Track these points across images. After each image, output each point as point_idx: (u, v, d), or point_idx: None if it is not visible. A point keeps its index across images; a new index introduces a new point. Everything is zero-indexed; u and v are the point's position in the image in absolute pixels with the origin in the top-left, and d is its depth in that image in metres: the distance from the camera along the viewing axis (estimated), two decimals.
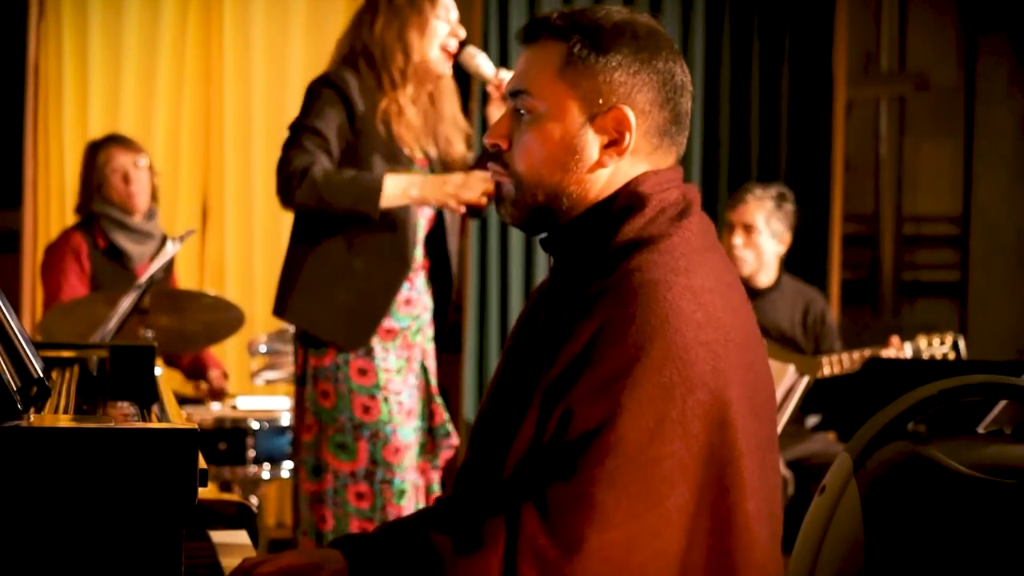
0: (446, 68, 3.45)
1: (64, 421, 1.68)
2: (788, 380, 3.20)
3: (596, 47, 1.79)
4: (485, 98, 3.51)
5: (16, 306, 5.13)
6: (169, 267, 4.57)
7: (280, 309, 3.45)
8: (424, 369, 3.54)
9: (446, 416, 3.55)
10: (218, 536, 2.16)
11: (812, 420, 4.84)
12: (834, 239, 5.74)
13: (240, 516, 2.24)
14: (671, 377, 1.66)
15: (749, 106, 5.74)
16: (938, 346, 4.50)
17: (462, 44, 3.43)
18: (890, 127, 6.60)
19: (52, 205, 5.48)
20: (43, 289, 4.68)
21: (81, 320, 4.04)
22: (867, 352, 4.50)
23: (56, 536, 1.54)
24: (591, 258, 1.79)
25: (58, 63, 5.48)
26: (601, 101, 1.79)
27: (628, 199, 1.79)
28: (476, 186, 3.30)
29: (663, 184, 1.82)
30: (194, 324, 4.36)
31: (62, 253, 4.61)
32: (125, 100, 5.55)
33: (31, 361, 1.73)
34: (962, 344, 4.50)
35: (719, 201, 5.73)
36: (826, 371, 4.51)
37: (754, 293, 4.78)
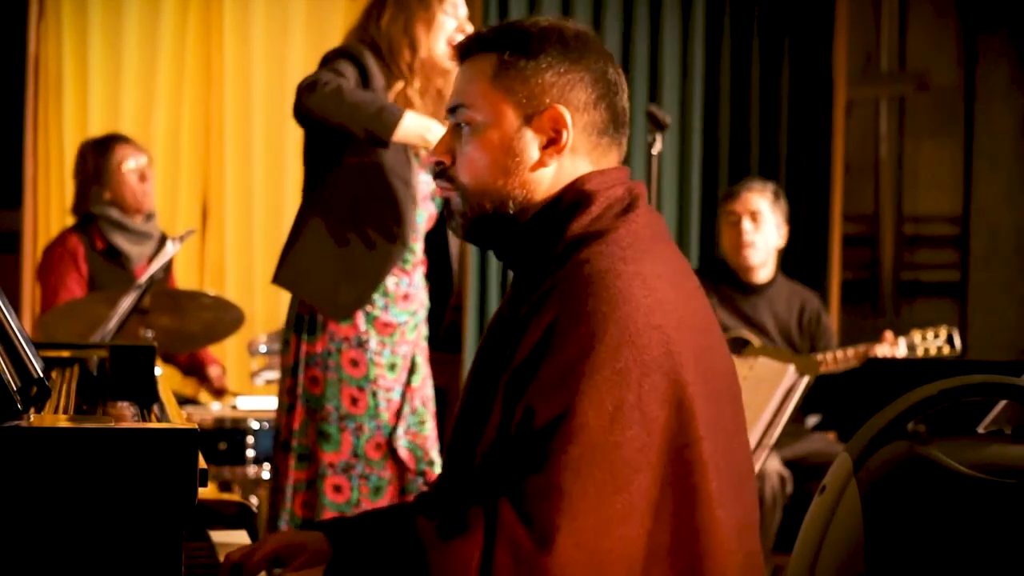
0: (452, 65, 3.44)
1: (64, 421, 1.68)
2: (788, 380, 3.20)
3: (525, 52, 1.85)
4: None
5: (16, 306, 5.13)
6: (167, 267, 4.57)
7: (276, 275, 3.46)
8: (415, 364, 3.53)
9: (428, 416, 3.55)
10: (218, 536, 2.16)
11: (812, 420, 4.84)
12: (834, 239, 5.74)
13: (240, 516, 2.24)
14: (626, 362, 1.70)
15: (749, 106, 5.73)
16: (932, 340, 4.51)
17: None
18: (890, 127, 6.59)
19: (52, 205, 5.48)
20: (41, 292, 4.67)
21: (81, 320, 4.04)
22: (862, 348, 4.50)
23: (56, 536, 1.54)
24: (542, 256, 1.83)
25: (58, 63, 5.48)
26: (535, 102, 1.84)
27: (574, 197, 1.85)
28: None
29: (608, 182, 1.86)
30: (194, 324, 4.36)
31: (59, 256, 4.60)
32: (125, 100, 5.55)
33: (31, 361, 1.73)
34: (956, 338, 4.50)
35: (719, 201, 5.74)
36: (822, 368, 4.51)
37: (751, 289, 4.78)
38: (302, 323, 3.42)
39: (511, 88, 1.85)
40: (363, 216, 3.38)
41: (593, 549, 1.66)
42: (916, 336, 4.51)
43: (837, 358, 4.52)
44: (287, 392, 3.45)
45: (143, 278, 3.90)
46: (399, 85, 3.39)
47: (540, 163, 1.85)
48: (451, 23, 3.41)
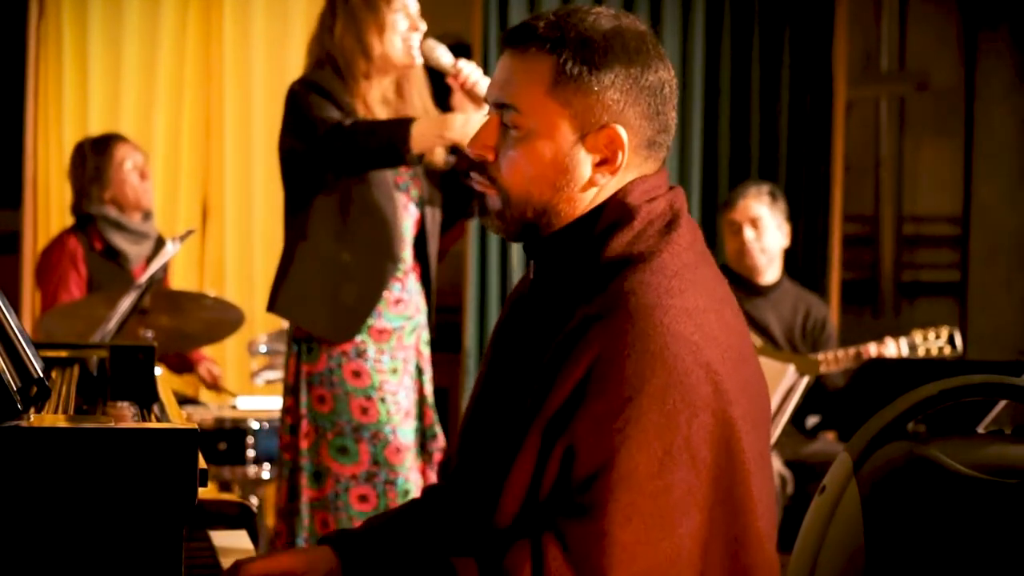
0: (412, 59, 3.43)
1: (64, 421, 1.68)
2: (788, 380, 3.21)
3: (588, 63, 1.74)
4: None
5: (16, 306, 5.13)
6: (164, 267, 4.56)
7: (272, 304, 3.46)
8: (419, 371, 3.54)
9: (435, 417, 3.55)
10: (218, 536, 2.16)
11: (812, 420, 4.84)
12: (834, 239, 5.74)
13: (240, 516, 2.23)
14: (674, 403, 1.65)
15: (749, 106, 5.74)
16: (933, 340, 4.51)
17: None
18: (890, 127, 6.60)
19: (52, 205, 5.48)
20: (41, 294, 4.66)
21: (81, 320, 4.04)
22: (863, 348, 4.50)
23: (56, 536, 1.54)
24: (579, 272, 1.77)
25: (58, 63, 5.48)
26: (593, 120, 1.75)
27: (615, 212, 1.77)
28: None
29: (649, 193, 1.79)
30: (194, 324, 4.36)
31: (58, 258, 4.59)
32: (125, 100, 5.55)
33: (31, 361, 1.73)
34: (958, 338, 4.50)
35: (719, 201, 5.73)
36: (822, 368, 4.51)
37: (757, 290, 4.78)
38: (300, 344, 3.42)
39: (569, 101, 1.75)
40: (352, 235, 3.37)
41: None
42: (917, 336, 4.51)
43: (838, 357, 4.52)
44: (288, 412, 3.45)
45: (143, 278, 3.89)
46: (359, 101, 3.39)
47: (591, 183, 1.77)
48: (403, 23, 3.40)
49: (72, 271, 4.57)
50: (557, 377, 1.69)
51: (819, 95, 5.77)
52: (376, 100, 3.41)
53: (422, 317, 3.53)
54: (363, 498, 3.36)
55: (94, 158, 4.64)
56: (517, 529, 1.70)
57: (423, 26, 3.44)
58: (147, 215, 4.70)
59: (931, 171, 6.55)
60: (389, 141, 3.24)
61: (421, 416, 3.52)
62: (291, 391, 3.44)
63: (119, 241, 4.60)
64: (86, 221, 4.63)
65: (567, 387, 1.68)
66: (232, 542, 2.13)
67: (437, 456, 3.52)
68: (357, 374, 3.39)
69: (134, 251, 4.62)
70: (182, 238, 3.86)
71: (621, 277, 1.71)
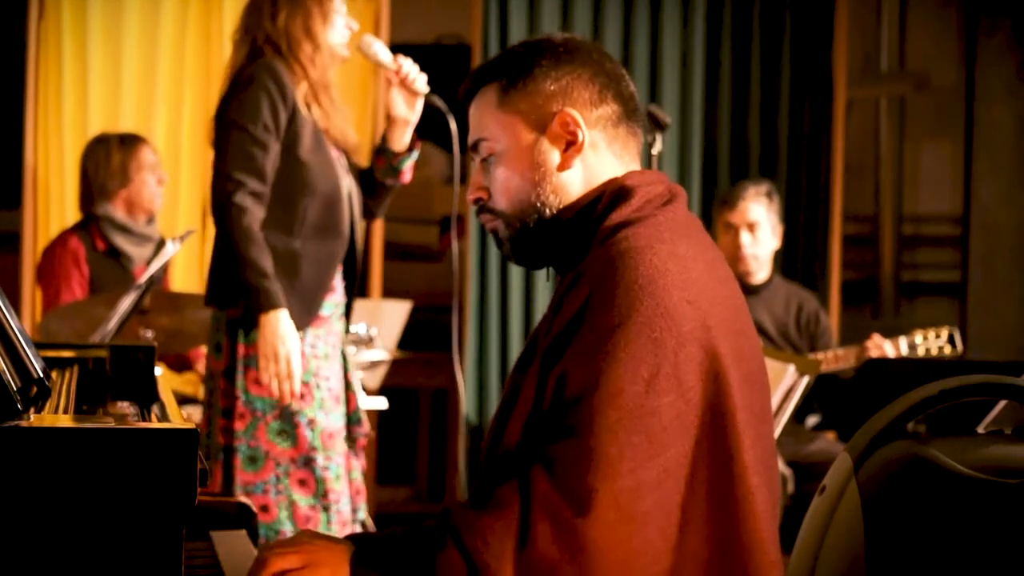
0: (346, 53, 3.52)
1: (64, 421, 1.68)
2: (788, 380, 3.20)
3: (522, 71, 1.92)
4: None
5: (16, 306, 5.13)
6: (164, 268, 4.56)
7: (213, 298, 3.44)
8: (343, 355, 3.55)
9: (358, 403, 3.57)
10: (218, 536, 2.16)
11: (812, 420, 4.84)
12: (834, 239, 5.74)
13: (240, 516, 2.24)
14: (661, 332, 1.72)
15: (749, 106, 5.74)
16: (933, 340, 4.50)
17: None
18: (890, 127, 6.60)
19: (52, 205, 5.48)
20: (42, 293, 4.65)
21: (81, 320, 4.04)
22: (865, 345, 4.50)
23: (56, 536, 1.54)
24: (582, 248, 1.87)
25: (58, 63, 5.48)
26: (543, 113, 1.91)
27: (615, 192, 1.89)
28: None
29: (649, 180, 1.90)
30: (194, 324, 4.35)
31: (60, 257, 4.58)
32: (125, 100, 5.55)
33: (31, 361, 1.73)
34: (958, 338, 4.50)
35: (718, 201, 5.73)
36: (823, 368, 4.51)
37: (748, 290, 4.78)
38: (235, 326, 3.41)
39: (517, 108, 1.92)
40: (300, 220, 3.40)
41: (630, 512, 1.68)
42: (917, 336, 4.51)
43: (837, 356, 4.52)
44: (222, 395, 3.43)
45: (143, 278, 3.89)
46: (303, 87, 3.43)
47: (564, 165, 1.91)
48: (341, 18, 3.48)
49: (74, 270, 4.56)
50: (555, 318, 1.80)
51: (819, 95, 5.77)
52: (321, 89, 3.45)
53: (344, 303, 3.56)
54: (302, 482, 3.38)
55: (121, 153, 4.61)
56: (513, 461, 1.77)
57: (355, 25, 3.52)
58: (151, 218, 4.70)
59: (931, 171, 6.55)
60: (248, 291, 3.31)
61: (346, 401, 3.54)
62: (223, 374, 3.42)
63: (122, 242, 4.60)
64: (89, 221, 4.62)
65: (562, 322, 1.78)
66: (232, 542, 2.13)
67: (361, 441, 3.54)
68: None
69: (136, 252, 4.62)
70: (182, 238, 3.86)
71: (616, 235, 1.83)
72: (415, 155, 3.59)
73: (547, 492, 1.68)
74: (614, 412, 1.69)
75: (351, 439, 3.53)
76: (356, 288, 3.62)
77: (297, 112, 3.41)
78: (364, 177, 3.62)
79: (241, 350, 3.40)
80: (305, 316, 3.40)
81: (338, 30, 3.48)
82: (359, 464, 3.55)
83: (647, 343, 1.71)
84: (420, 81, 3.44)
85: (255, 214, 3.35)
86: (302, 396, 3.39)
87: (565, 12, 5.61)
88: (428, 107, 3.48)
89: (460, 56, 6.01)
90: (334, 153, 3.50)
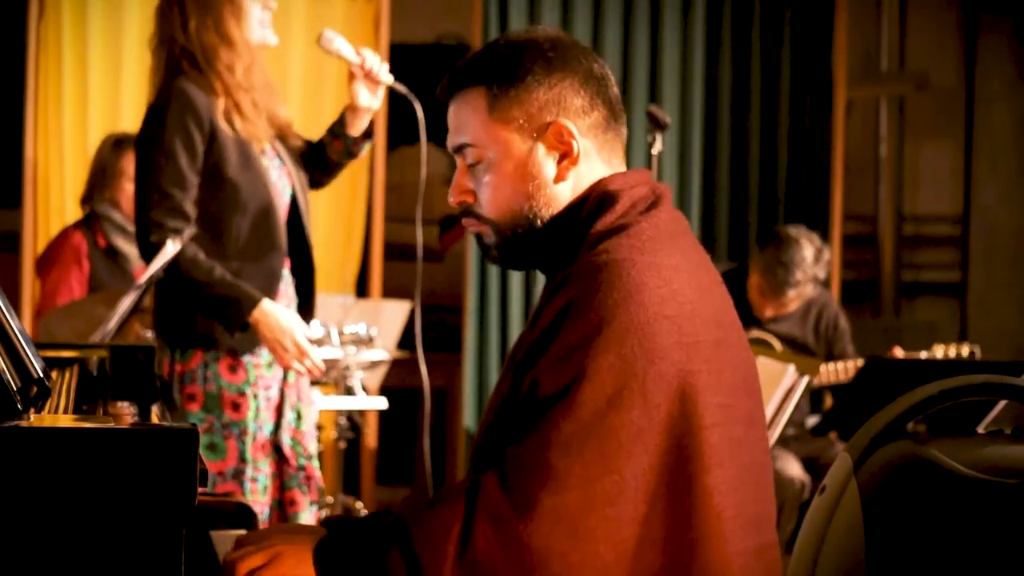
0: (269, 39, 3.42)
1: (64, 421, 1.68)
2: (788, 380, 3.20)
3: (512, 77, 1.88)
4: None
5: (16, 306, 5.13)
6: (164, 268, 4.54)
7: (162, 328, 3.42)
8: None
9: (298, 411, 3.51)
10: (218, 536, 2.16)
11: (811, 420, 4.85)
12: (834, 239, 5.74)
13: (240, 516, 2.23)
14: (633, 349, 1.72)
15: (749, 106, 5.74)
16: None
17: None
18: (890, 127, 6.60)
19: (52, 205, 5.48)
20: (41, 286, 4.65)
21: (81, 320, 4.03)
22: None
23: (56, 536, 1.54)
24: (568, 255, 1.87)
25: (58, 63, 5.47)
26: (536, 122, 1.88)
27: (599, 198, 1.87)
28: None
29: (632, 182, 1.89)
30: None
31: (62, 252, 4.59)
32: (125, 100, 5.55)
33: (31, 361, 1.73)
34: (978, 353, 4.50)
35: (718, 201, 5.74)
36: (824, 379, 4.52)
37: (778, 319, 4.80)
38: (174, 340, 3.38)
39: (510, 116, 1.88)
40: (234, 241, 3.35)
41: (576, 525, 1.68)
42: (938, 351, 4.51)
43: (848, 367, 4.53)
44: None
45: (143, 278, 3.89)
46: (220, 103, 3.33)
47: (559, 177, 1.89)
48: (256, 6, 3.38)
49: (74, 266, 4.56)
50: (535, 324, 1.81)
51: (819, 95, 5.77)
52: (243, 95, 3.33)
53: (294, 306, 3.48)
54: (228, 495, 3.35)
55: (123, 155, 4.60)
56: (478, 460, 1.80)
57: (274, 4, 3.42)
58: None
59: (931, 171, 6.56)
60: (224, 305, 3.27)
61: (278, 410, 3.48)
62: None
63: (121, 243, 4.60)
64: (92, 218, 4.62)
65: (538, 331, 1.78)
66: (232, 542, 2.13)
67: (287, 451, 3.47)
68: (233, 369, 3.35)
69: (135, 253, 4.61)
70: (182, 238, 3.85)
71: (599, 245, 1.82)
72: (371, 140, 3.56)
73: (494, 494, 1.69)
74: (570, 425, 1.69)
75: (277, 448, 3.45)
76: (314, 280, 3.54)
77: (216, 132, 3.31)
78: (316, 152, 3.53)
79: (177, 368, 3.37)
80: (251, 335, 3.33)
81: (255, 23, 3.37)
82: (309, 449, 3.46)
83: (616, 359, 1.71)
84: (384, 72, 3.39)
85: (186, 247, 3.29)
86: (237, 407, 3.34)
87: (565, 12, 5.61)
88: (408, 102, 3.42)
89: (460, 56, 6.00)
90: (267, 160, 3.40)
